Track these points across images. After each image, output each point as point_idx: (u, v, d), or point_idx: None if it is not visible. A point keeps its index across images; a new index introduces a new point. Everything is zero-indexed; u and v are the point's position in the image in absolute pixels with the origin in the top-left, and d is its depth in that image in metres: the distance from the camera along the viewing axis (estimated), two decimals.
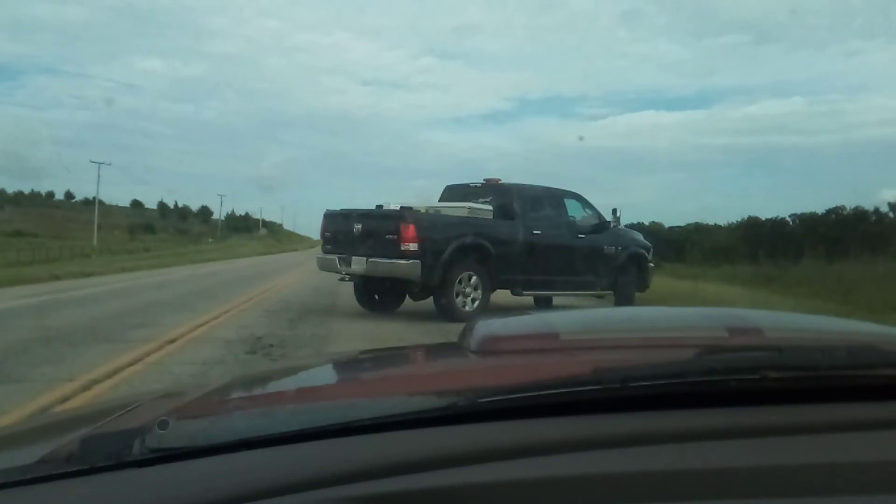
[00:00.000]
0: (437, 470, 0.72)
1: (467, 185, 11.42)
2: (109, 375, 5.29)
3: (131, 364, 5.78)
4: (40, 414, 3.92)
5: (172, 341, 7.05)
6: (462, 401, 0.82)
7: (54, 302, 11.29)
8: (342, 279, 10.60)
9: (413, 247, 9.35)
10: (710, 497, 0.70)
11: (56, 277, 17.53)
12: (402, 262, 9.37)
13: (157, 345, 6.77)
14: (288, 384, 1.29)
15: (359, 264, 9.78)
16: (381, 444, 0.77)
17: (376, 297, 10.80)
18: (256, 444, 0.78)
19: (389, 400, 0.91)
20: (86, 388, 4.88)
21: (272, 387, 1.29)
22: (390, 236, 9.47)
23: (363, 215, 10.28)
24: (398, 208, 9.95)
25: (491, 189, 10.97)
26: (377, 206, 10.72)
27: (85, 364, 5.70)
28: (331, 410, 0.88)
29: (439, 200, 11.44)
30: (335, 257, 10.27)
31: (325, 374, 1.37)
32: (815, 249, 20.89)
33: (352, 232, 10.01)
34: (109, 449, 0.79)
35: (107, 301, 11.81)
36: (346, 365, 1.47)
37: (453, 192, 11.49)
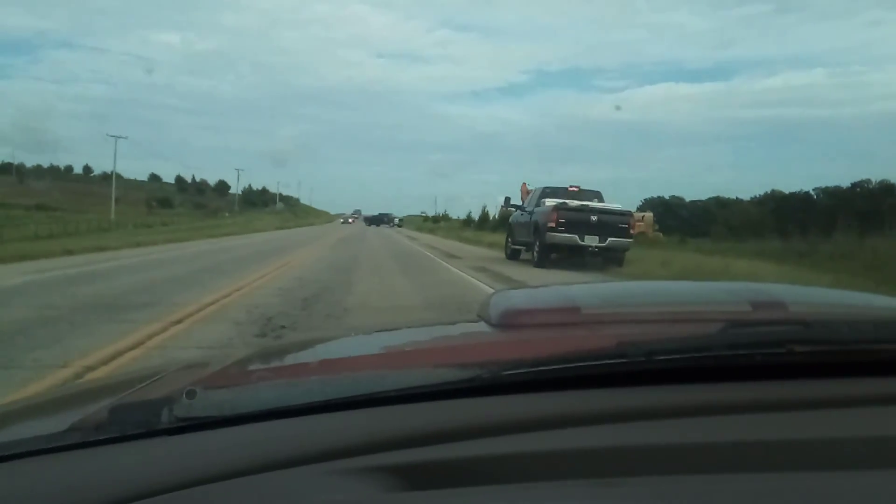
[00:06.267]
0: (461, 441, 0.72)
1: (565, 189, 18.20)
2: (106, 361, 4.88)
3: (132, 348, 5.37)
4: (65, 384, 3.94)
5: (179, 322, 6.65)
6: (486, 373, 0.83)
7: (62, 278, 10.91)
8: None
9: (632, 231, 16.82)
10: (736, 470, 0.68)
11: (69, 252, 17.18)
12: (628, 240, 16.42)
13: (161, 326, 6.36)
14: (311, 356, 1.28)
15: (592, 241, 15.87)
16: (407, 415, 0.77)
17: (553, 255, 16.67)
18: (283, 413, 0.78)
19: (414, 372, 0.91)
20: (78, 375, 4.46)
21: (296, 358, 1.29)
22: (623, 225, 16.27)
23: (599, 210, 16.47)
24: (581, 204, 16.56)
25: (585, 192, 18.14)
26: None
27: (82, 348, 5.30)
28: (356, 381, 0.89)
29: (540, 198, 17.68)
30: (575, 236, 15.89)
31: (347, 347, 1.34)
32: (848, 224, 20.11)
33: (589, 221, 15.95)
34: (139, 417, 0.80)
35: (116, 277, 11.45)
36: (367, 338, 1.44)
37: (556, 192, 17.88)
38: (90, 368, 4.67)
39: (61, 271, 11.94)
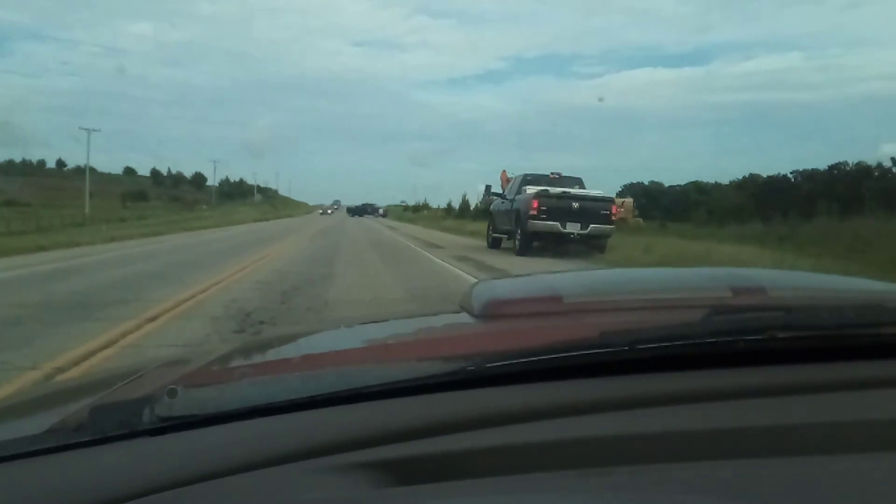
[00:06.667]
0: (447, 434, 0.71)
1: (546, 176, 18.19)
2: (77, 362, 4.67)
3: (104, 347, 5.16)
4: (40, 384, 3.82)
5: (153, 319, 6.43)
6: (471, 365, 0.82)
7: (34, 275, 10.62)
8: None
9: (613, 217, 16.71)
10: (720, 457, 0.68)
11: (42, 248, 16.80)
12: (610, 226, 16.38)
13: (135, 323, 6.14)
14: (294, 351, 1.25)
15: (574, 228, 15.88)
16: (392, 410, 0.77)
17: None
18: (267, 411, 0.78)
19: (398, 366, 0.90)
20: (48, 378, 4.25)
21: (278, 353, 1.26)
22: (604, 212, 16.17)
23: (580, 196, 16.51)
24: (562, 192, 16.51)
25: (565, 179, 18.22)
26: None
27: (52, 348, 5.08)
28: (340, 377, 0.87)
29: (521, 185, 17.65)
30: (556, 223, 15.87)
31: (330, 341, 1.31)
32: (829, 206, 20.19)
33: (571, 208, 15.92)
34: (119, 418, 0.78)
35: (90, 273, 11.16)
36: (350, 332, 1.42)
37: (537, 179, 17.93)
38: (60, 370, 4.47)
39: (33, 268, 11.63)
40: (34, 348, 5.08)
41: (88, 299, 7.75)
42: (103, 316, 6.55)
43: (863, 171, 50.85)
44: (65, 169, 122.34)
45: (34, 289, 8.81)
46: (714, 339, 0.85)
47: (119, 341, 5.42)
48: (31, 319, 6.32)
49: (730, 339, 0.85)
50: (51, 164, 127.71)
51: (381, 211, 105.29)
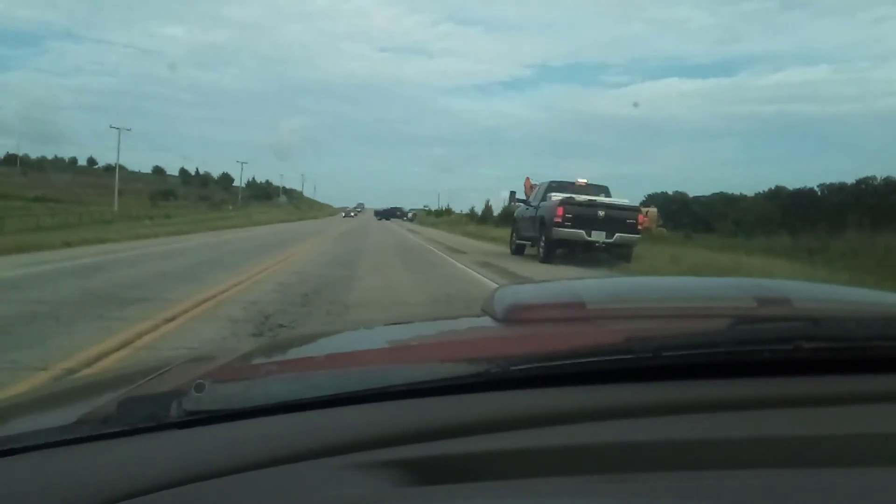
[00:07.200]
0: (469, 436, 0.71)
1: (572, 183, 17.71)
2: (89, 363, 4.57)
3: (118, 349, 5.06)
4: (64, 378, 3.84)
5: (171, 319, 6.34)
6: (495, 368, 0.82)
7: (57, 271, 10.63)
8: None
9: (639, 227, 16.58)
10: (744, 467, 0.67)
11: (67, 244, 16.89)
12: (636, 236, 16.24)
13: (152, 324, 6.05)
14: (319, 349, 1.26)
15: (600, 237, 15.66)
16: (416, 410, 0.77)
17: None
18: (292, 407, 0.78)
19: (422, 367, 0.90)
20: (57, 380, 4.16)
21: (304, 352, 1.28)
22: (631, 221, 15.94)
23: (607, 205, 16.23)
24: (588, 199, 16.18)
25: (591, 187, 17.78)
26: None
27: (66, 347, 5.00)
28: (365, 376, 0.88)
29: (546, 192, 17.41)
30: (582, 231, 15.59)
31: (354, 341, 1.33)
32: (859, 221, 19.73)
33: (596, 216, 15.67)
34: (147, 410, 0.80)
35: (113, 270, 11.14)
36: (374, 332, 1.43)
37: (562, 186, 17.50)
38: (71, 371, 4.37)
39: (56, 264, 11.66)
40: (47, 347, 5.00)
41: (108, 297, 7.68)
42: (121, 315, 6.47)
43: (892, 185, 49.90)
44: (95, 167, 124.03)
45: (54, 285, 8.79)
46: (740, 349, 0.84)
47: (134, 342, 5.32)
48: (48, 317, 6.26)
49: (756, 348, 0.84)
50: (82, 161, 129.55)
51: (409, 215, 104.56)
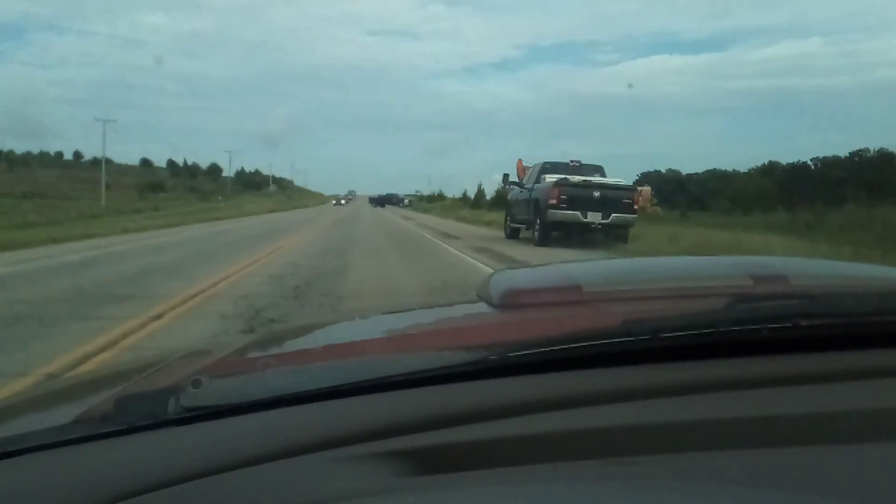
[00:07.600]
0: (469, 424, 0.71)
1: (566, 164, 17.50)
2: (72, 367, 4.33)
3: (102, 350, 4.83)
4: (57, 378, 3.73)
5: (158, 317, 6.10)
6: (493, 355, 0.82)
7: (42, 269, 10.34)
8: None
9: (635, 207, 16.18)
10: (744, 446, 0.67)
11: (54, 240, 16.55)
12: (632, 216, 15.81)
13: (139, 322, 5.81)
14: (315, 341, 1.25)
15: (596, 218, 15.33)
16: (415, 399, 0.77)
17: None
18: (290, 401, 0.78)
19: (420, 356, 0.89)
20: (39, 384, 3.93)
21: (300, 344, 1.25)
22: (627, 201, 15.64)
23: (602, 185, 16.00)
24: (583, 180, 16.01)
25: (585, 167, 17.47)
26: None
27: (48, 350, 4.75)
28: (363, 366, 0.87)
29: (540, 174, 16.99)
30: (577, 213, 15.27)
31: (351, 331, 1.31)
32: (857, 194, 19.59)
33: (592, 197, 15.34)
34: (145, 408, 0.79)
35: (99, 267, 10.86)
36: (371, 323, 1.39)
37: (556, 167, 17.23)
38: (53, 376, 4.13)
39: (41, 262, 11.34)
40: (28, 351, 4.77)
41: (93, 295, 7.43)
42: (106, 314, 6.22)
43: (886, 157, 49.83)
44: (82, 161, 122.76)
45: (38, 284, 8.52)
46: (738, 328, 0.83)
47: (119, 342, 5.09)
48: (30, 318, 6.02)
49: (754, 327, 0.83)
50: (68, 155, 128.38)
51: (406, 201, 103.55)
